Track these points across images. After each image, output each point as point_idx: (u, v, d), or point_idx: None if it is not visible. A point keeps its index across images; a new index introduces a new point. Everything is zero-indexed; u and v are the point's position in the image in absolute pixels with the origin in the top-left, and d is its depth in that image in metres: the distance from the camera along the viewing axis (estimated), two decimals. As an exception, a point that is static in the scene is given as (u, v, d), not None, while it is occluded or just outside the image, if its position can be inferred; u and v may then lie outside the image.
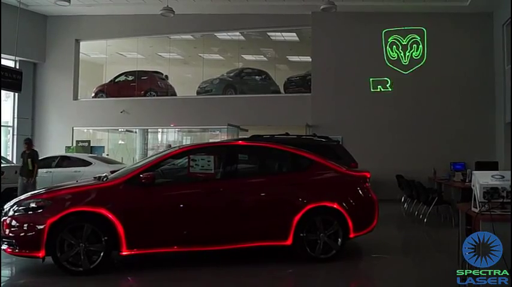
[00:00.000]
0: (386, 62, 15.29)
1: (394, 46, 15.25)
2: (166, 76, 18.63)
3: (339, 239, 6.00)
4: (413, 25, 15.23)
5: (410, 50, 15.19)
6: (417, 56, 15.19)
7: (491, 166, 9.56)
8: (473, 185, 4.48)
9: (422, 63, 15.14)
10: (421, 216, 9.82)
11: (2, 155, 14.94)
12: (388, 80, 15.26)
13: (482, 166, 9.40)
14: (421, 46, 15.19)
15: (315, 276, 5.59)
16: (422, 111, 15.02)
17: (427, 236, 8.79)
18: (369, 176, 6.49)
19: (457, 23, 15.02)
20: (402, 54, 15.21)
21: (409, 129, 15.00)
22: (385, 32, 15.36)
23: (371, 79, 15.34)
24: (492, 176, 4.37)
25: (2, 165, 11.54)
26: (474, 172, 4.71)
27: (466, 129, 14.68)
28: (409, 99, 15.08)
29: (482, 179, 4.35)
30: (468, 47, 15.02)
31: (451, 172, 12.66)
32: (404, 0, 14.75)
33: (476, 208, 4.36)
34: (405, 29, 15.26)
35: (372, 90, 15.32)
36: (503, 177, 4.33)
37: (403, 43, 15.25)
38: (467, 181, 9.84)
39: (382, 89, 15.27)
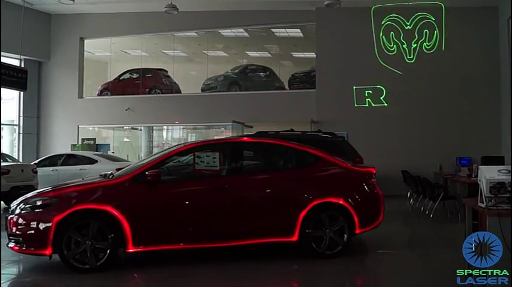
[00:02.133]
0: (380, 60, 15.09)
1: (397, 39, 15.11)
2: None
3: (345, 235, 5.99)
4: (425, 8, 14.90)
5: (420, 39, 14.93)
6: (429, 45, 14.89)
7: (498, 160, 9.52)
8: (480, 180, 4.45)
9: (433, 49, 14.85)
10: (427, 211, 9.80)
11: (8, 153, 15.01)
12: (383, 89, 15.07)
13: (488, 161, 9.36)
14: (436, 32, 14.84)
15: (321, 272, 5.59)
16: (427, 107, 14.93)
17: (433, 231, 8.75)
18: (374, 171, 6.47)
19: (463, 17, 14.90)
20: (406, 46, 15.05)
21: (414, 125, 14.93)
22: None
23: (354, 88, 15.21)
24: (499, 171, 4.33)
25: (8, 164, 11.63)
26: (480, 166, 4.67)
27: (472, 124, 14.60)
28: (414, 94, 14.98)
29: (488, 174, 4.32)
30: (474, 41, 14.90)
31: (457, 167, 12.64)
32: (409, -5, 14.69)
33: (482, 202, 4.34)
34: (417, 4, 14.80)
35: (355, 105, 15.19)
36: (509, 171, 4.29)
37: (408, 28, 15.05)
38: (473, 175, 9.77)
39: (373, 104, 15.09)
